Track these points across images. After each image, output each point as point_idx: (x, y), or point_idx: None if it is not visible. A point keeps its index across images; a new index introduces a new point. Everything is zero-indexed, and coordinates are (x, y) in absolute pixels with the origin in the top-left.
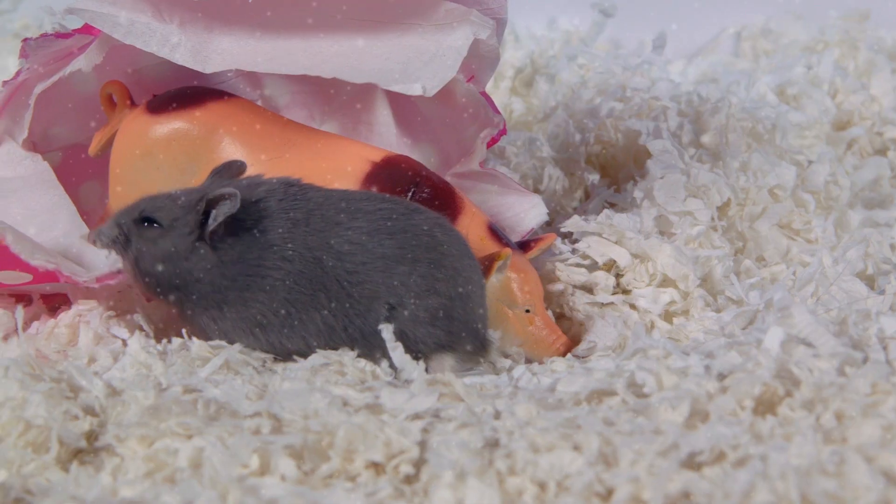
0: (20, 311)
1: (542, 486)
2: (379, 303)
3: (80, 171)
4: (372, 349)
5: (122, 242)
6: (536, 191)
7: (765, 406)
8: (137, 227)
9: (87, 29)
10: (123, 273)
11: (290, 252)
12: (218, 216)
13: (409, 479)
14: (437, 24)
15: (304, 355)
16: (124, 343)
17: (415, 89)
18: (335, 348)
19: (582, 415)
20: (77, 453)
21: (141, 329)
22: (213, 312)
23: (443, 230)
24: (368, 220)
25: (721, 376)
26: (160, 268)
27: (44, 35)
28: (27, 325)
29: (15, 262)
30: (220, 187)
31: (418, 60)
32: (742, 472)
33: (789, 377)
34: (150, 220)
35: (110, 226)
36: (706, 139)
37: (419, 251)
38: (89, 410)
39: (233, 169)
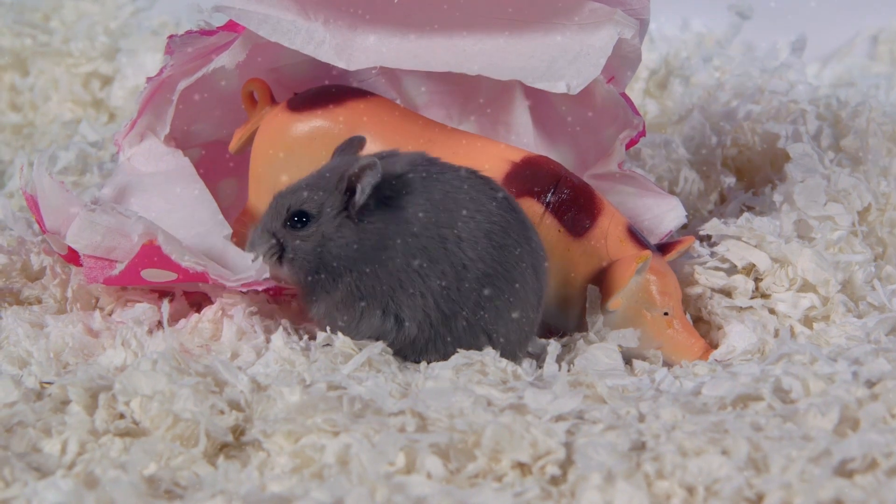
0: (166, 305)
1: (691, 490)
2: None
3: (219, 168)
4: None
5: (277, 251)
6: (672, 193)
7: None
8: (289, 228)
9: (230, 26)
10: (278, 280)
11: (421, 229)
12: (365, 188)
13: (556, 481)
14: (582, 24)
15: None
16: (267, 339)
17: (559, 87)
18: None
19: (729, 419)
20: (222, 448)
21: (285, 330)
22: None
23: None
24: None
25: (870, 383)
26: (320, 259)
27: (188, 32)
28: (171, 320)
29: (162, 262)
30: (352, 161)
31: (563, 59)
32: None
33: None
34: (301, 215)
35: (262, 238)
36: (846, 143)
37: (518, 269)
38: (234, 405)
39: (354, 144)
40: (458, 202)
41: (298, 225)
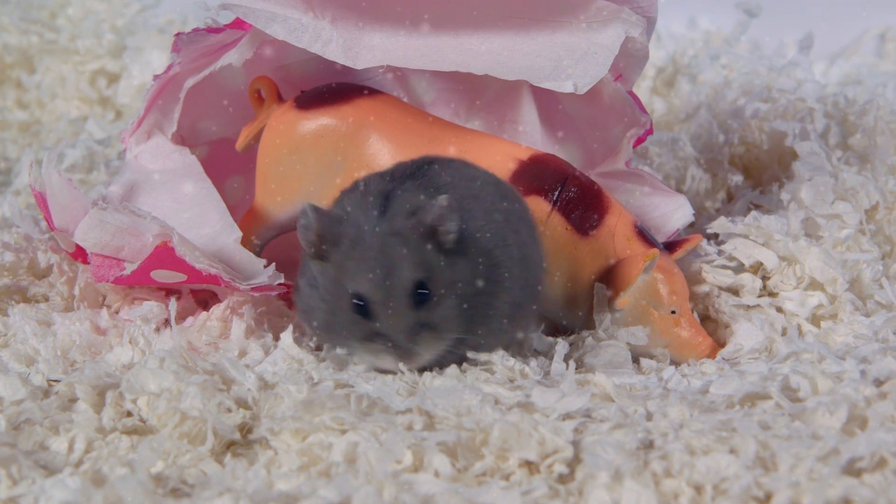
0: (174, 303)
1: (699, 488)
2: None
3: (225, 166)
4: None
5: (434, 336)
6: (679, 191)
7: None
8: (416, 308)
9: (237, 24)
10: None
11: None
12: (450, 230)
13: (564, 479)
14: (589, 22)
15: None
16: (276, 337)
17: (566, 87)
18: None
19: (737, 418)
20: (230, 446)
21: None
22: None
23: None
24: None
25: (878, 382)
26: (463, 301)
27: (196, 30)
28: (178, 318)
29: (173, 263)
30: (418, 203)
31: (570, 58)
32: None
33: None
34: (421, 288)
35: (412, 338)
36: (853, 141)
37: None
38: (242, 403)
39: (323, 216)
40: (476, 196)
41: (424, 297)
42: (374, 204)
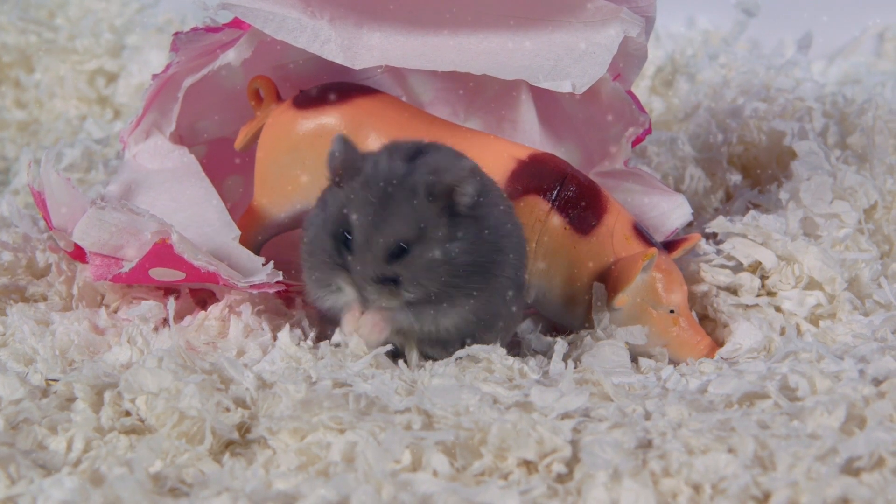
0: (172, 302)
1: (697, 488)
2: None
3: (224, 166)
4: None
5: (393, 290)
6: (677, 190)
7: None
8: (398, 261)
9: (236, 23)
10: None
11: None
12: (467, 192)
13: (562, 478)
14: (587, 22)
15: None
16: (274, 336)
17: (564, 86)
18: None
19: (735, 417)
20: (228, 445)
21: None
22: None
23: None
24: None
25: (876, 381)
26: (448, 269)
27: (194, 29)
28: (177, 317)
29: (172, 261)
30: (426, 168)
31: (568, 57)
32: None
33: None
34: (404, 244)
35: (372, 285)
36: (852, 141)
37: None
38: (240, 402)
39: (348, 146)
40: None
41: (404, 253)
42: (400, 155)
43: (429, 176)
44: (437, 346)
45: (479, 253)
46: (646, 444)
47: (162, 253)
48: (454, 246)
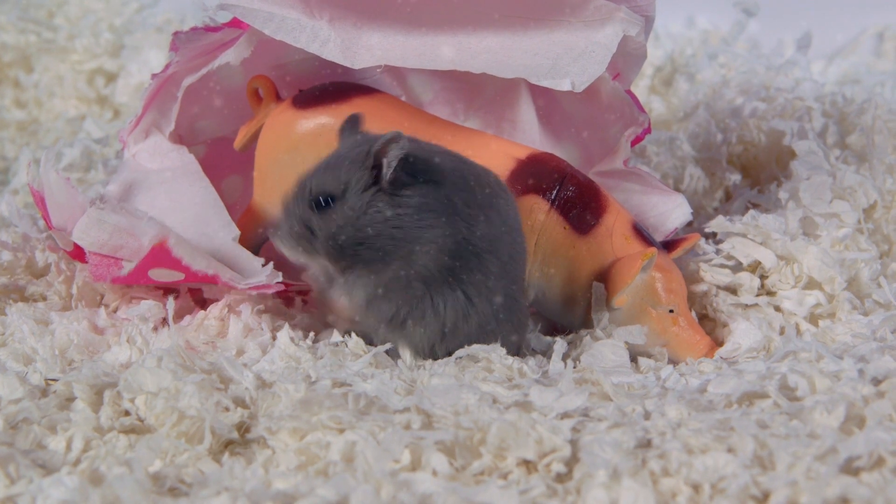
0: (171, 302)
1: (697, 487)
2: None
3: (223, 165)
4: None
5: (307, 236)
6: (677, 190)
7: None
8: (316, 212)
9: (235, 23)
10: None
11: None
12: (391, 161)
13: (561, 478)
14: (587, 21)
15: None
16: (273, 336)
17: (564, 85)
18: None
19: (735, 417)
20: (227, 445)
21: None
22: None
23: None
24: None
25: (876, 381)
26: (355, 237)
27: (193, 29)
28: (176, 317)
29: (171, 263)
30: (374, 138)
31: (567, 56)
32: None
33: None
34: (325, 195)
35: (288, 224)
36: (852, 140)
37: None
38: (240, 402)
39: (356, 120)
40: (483, 182)
41: (324, 206)
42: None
43: (372, 144)
44: (359, 326)
45: (393, 229)
46: (645, 444)
47: (161, 254)
48: (371, 213)
